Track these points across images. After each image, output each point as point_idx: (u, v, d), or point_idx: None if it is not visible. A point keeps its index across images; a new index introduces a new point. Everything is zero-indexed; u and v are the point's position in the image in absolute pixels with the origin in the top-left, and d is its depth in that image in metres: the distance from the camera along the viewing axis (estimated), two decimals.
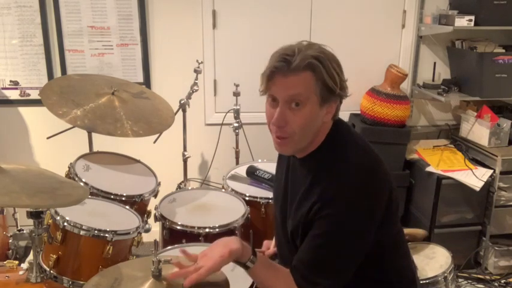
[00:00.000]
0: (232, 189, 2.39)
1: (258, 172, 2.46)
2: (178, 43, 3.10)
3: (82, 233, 1.80)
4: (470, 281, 2.92)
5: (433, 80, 3.30)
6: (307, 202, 1.33)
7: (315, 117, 1.30)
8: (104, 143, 2.54)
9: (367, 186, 1.29)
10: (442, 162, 2.99)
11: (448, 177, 2.88)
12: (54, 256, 1.81)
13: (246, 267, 1.34)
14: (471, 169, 2.91)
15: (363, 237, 1.31)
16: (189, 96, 2.75)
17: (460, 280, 2.90)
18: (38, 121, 3.09)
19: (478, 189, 2.82)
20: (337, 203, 1.27)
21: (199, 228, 2.03)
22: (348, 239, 1.30)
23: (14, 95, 3.06)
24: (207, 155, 3.25)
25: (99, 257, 1.82)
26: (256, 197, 2.30)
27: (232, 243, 1.31)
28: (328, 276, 1.32)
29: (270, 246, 1.77)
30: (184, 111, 2.77)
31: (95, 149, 2.61)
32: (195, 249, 1.84)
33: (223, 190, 2.42)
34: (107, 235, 1.82)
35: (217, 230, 2.03)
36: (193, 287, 1.24)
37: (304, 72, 1.25)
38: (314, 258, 1.32)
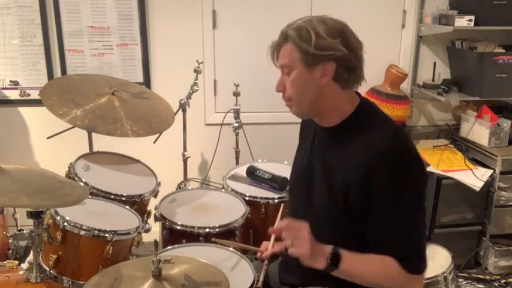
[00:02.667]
0: (232, 189, 2.39)
1: (258, 172, 2.46)
2: (178, 43, 3.10)
3: (82, 233, 1.80)
4: (470, 281, 2.92)
5: (433, 80, 3.30)
6: (347, 168, 1.37)
7: (305, 81, 1.41)
8: (104, 143, 2.54)
9: (412, 147, 1.40)
10: (442, 162, 2.99)
11: (448, 177, 2.88)
12: (54, 256, 1.81)
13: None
14: (471, 169, 2.91)
15: (423, 196, 1.40)
16: (189, 96, 2.75)
17: (460, 280, 2.90)
18: (38, 121, 3.09)
19: (478, 189, 2.82)
20: (389, 158, 1.33)
21: (199, 228, 2.03)
22: (417, 198, 1.37)
23: (14, 95, 3.06)
24: (207, 155, 3.25)
25: (99, 257, 1.82)
26: (256, 197, 2.30)
27: (319, 262, 1.34)
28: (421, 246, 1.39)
29: (268, 247, 1.77)
30: (184, 111, 2.77)
31: (95, 149, 2.61)
32: (195, 249, 1.85)
33: (223, 190, 2.42)
34: (107, 235, 1.82)
35: (217, 230, 2.03)
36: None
37: (285, 44, 1.42)
38: (399, 233, 1.35)
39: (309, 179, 1.52)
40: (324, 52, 1.36)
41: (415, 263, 1.36)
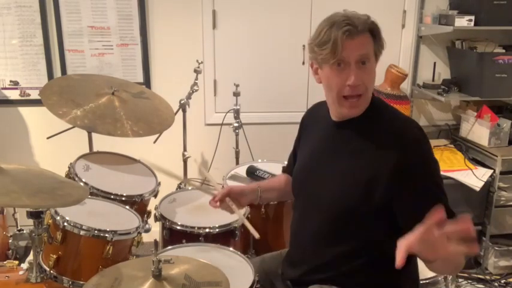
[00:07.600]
0: None
1: (258, 172, 2.46)
2: (178, 43, 3.10)
3: (82, 233, 1.80)
4: (470, 281, 2.92)
5: (433, 80, 3.30)
6: (374, 164, 1.39)
7: (375, 72, 1.46)
8: (104, 143, 2.54)
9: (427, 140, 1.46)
10: (442, 162, 2.99)
11: (448, 177, 2.87)
12: (54, 256, 1.81)
13: None
14: (471, 169, 2.91)
15: None
16: (189, 96, 2.75)
17: (460, 280, 2.90)
18: (38, 121, 3.09)
19: (478, 189, 2.82)
20: (420, 164, 1.38)
21: (199, 228, 2.02)
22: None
23: (14, 95, 3.06)
24: (207, 155, 3.25)
25: (99, 257, 1.82)
26: None
27: None
28: None
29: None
30: (184, 111, 2.77)
31: (95, 149, 2.61)
32: (195, 249, 1.85)
33: None
34: (107, 235, 1.82)
35: (217, 230, 2.03)
36: None
37: (366, 33, 1.42)
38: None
39: (318, 175, 1.53)
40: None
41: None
